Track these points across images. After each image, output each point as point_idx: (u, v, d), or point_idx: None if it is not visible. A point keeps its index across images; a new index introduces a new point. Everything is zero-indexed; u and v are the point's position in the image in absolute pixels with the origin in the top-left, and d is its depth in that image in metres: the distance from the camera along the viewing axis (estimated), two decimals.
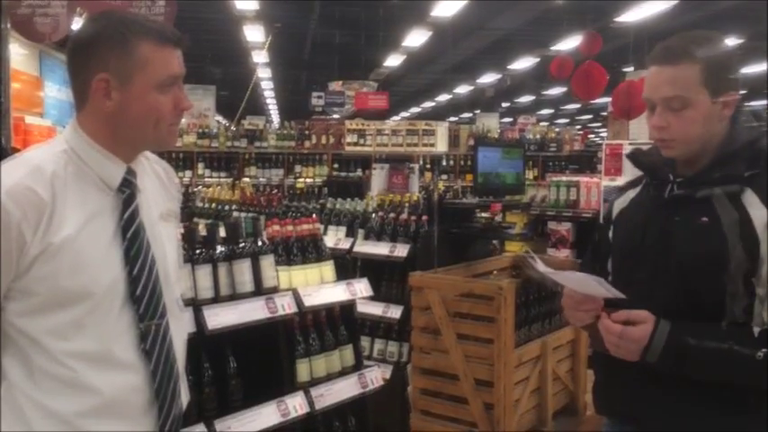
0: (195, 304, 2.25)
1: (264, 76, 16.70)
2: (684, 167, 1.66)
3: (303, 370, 2.55)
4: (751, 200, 1.54)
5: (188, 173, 9.04)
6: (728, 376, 1.52)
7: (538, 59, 14.93)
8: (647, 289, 1.62)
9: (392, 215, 3.91)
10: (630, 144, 5.06)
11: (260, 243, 2.47)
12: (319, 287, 2.66)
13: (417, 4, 10.62)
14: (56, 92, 9.38)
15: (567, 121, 29.68)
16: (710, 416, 1.55)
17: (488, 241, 4.14)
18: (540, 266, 1.70)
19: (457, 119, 24.41)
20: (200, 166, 9.20)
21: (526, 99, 23.15)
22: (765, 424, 1.53)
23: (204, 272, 2.30)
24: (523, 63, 15.47)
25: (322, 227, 3.85)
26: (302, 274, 2.64)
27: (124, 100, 1.42)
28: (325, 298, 2.64)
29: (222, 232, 2.44)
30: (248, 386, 2.38)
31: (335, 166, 9.44)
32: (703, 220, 1.56)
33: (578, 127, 26.68)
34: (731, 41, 11.09)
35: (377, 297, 3.28)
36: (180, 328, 1.59)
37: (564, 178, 5.27)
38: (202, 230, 2.41)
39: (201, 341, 2.22)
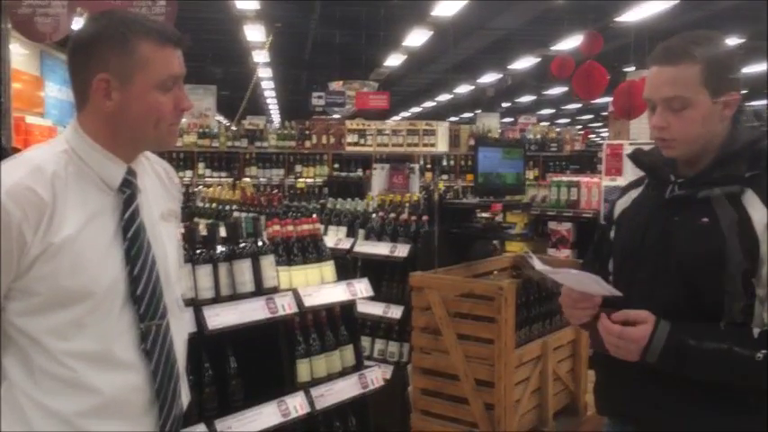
0: (195, 304, 2.25)
1: (265, 76, 16.70)
2: (685, 168, 1.66)
3: (303, 370, 2.55)
4: (751, 200, 1.54)
5: (188, 173, 9.04)
6: (728, 377, 1.52)
7: (538, 59, 14.92)
8: (648, 289, 1.62)
9: (392, 215, 3.91)
10: (631, 144, 5.06)
11: (260, 243, 2.47)
12: (320, 287, 2.66)
13: (418, 3, 10.62)
14: (56, 92, 9.39)
15: (567, 120, 29.68)
16: (710, 416, 1.55)
17: (489, 241, 4.14)
18: (538, 265, 1.70)
19: (457, 119, 24.42)
20: (201, 165, 9.20)
21: (527, 99, 23.15)
22: (765, 424, 1.53)
23: (204, 272, 2.30)
24: (524, 63, 15.46)
25: (322, 227, 3.85)
26: (302, 274, 2.64)
27: (124, 100, 1.42)
28: (325, 298, 2.64)
29: (223, 232, 2.44)
30: (249, 386, 2.38)
31: (336, 165, 9.44)
32: (704, 220, 1.56)
33: (579, 127, 26.68)
34: (732, 41, 11.10)
35: (377, 297, 3.28)
36: (180, 328, 1.59)
37: (564, 178, 5.28)
38: (203, 230, 2.41)
39: (202, 341, 2.22)
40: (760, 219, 1.51)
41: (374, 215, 4.01)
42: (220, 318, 2.25)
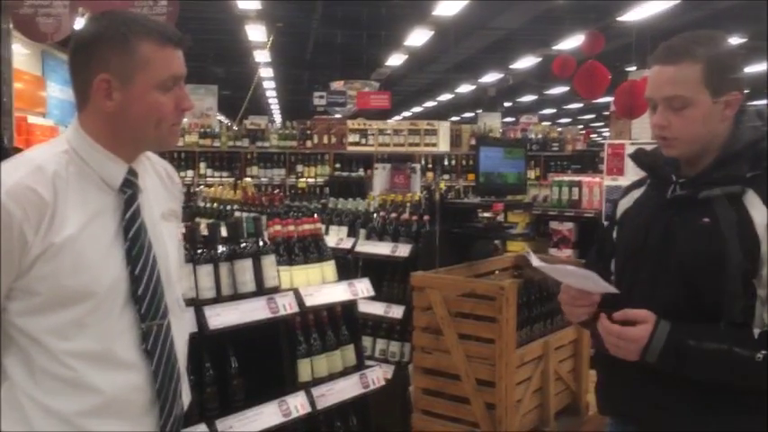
0: (196, 304, 2.25)
1: (266, 76, 16.70)
2: (687, 168, 1.66)
3: (304, 369, 2.55)
4: (752, 201, 1.53)
5: (190, 172, 9.04)
6: (728, 377, 1.52)
7: (540, 59, 14.91)
8: (649, 289, 1.62)
9: (394, 215, 3.90)
10: (632, 144, 5.06)
11: (261, 243, 2.47)
12: (321, 287, 2.66)
13: (419, 3, 10.62)
14: (58, 92, 9.39)
15: (569, 120, 29.65)
16: (711, 416, 1.55)
17: (490, 241, 4.14)
18: (535, 261, 1.71)
19: (459, 118, 24.40)
20: (202, 165, 9.20)
21: (528, 98, 23.13)
22: (765, 425, 1.52)
23: (206, 271, 2.30)
24: (525, 62, 15.45)
25: (323, 226, 3.85)
26: (304, 273, 2.64)
27: (125, 100, 1.42)
28: (326, 298, 2.64)
29: (224, 232, 2.44)
30: (250, 386, 2.38)
31: (337, 165, 9.44)
32: (704, 220, 1.56)
33: (581, 126, 26.65)
34: (733, 41, 11.07)
35: (378, 297, 3.28)
36: (181, 327, 1.59)
37: (566, 178, 5.28)
38: (204, 230, 2.41)
39: (203, 341, 2.21)
40: (761, 219, 1.51)
41: (375, 215, 4.01)
42: (221, 317, 2.25)
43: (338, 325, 2.73)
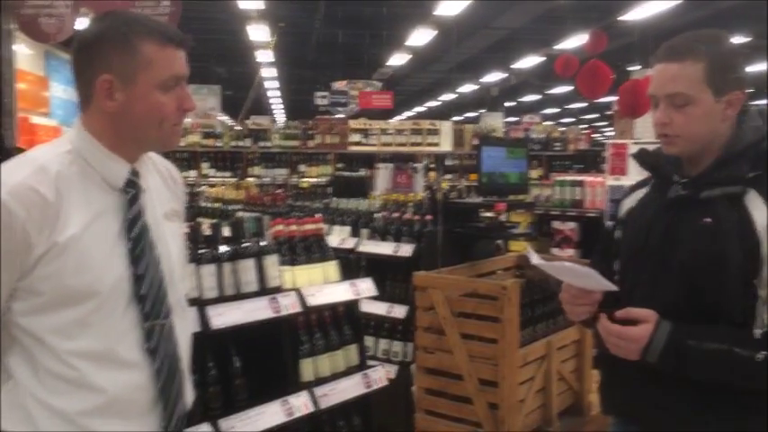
0: (199, 303, 2.25)
1: (269, 76, 16.71)
2: (689, 167, 1.66)
3: (307, 369, 2.55)
4: (754, 201, 1.53)
5: (192, 172, 9.06)
6: (728, 378, 1.51)
7: (543, 58, 14.90)
8: (650, 289, 1.62)
9: (396, 214, 3.90)
10: (635, 143, 5.05)
11: (264, 242, 2.47)
12: (323, 286, 2.66)
13: (421, 2, 10.62)
14: (61, 92, 9.41)
15: (572, 119, 29.63)
16: (712, 416, 1.55)
17: (492, 241, 4.13)
18: (534, 259, 1.71)
19: (461, 118, 24.40)
20: (205, 165, 9.22)
21: (531, 98, 23.11)
22: (766, 425, 1.52)
23: (208, 271, 2.30)
24: (528, 62, 15.44)
25: (326, 226, 3.85)
26: (306, 273, 2.64)
27: (128, 100, 1.42)
28: (328, 297, 2.64)
29: (226, 232, 2.44)
30: (252, 385, 2.38)
31: (339, 165, 9.45)
32: (706, 220, 1.55)
33: (583, 126, 26.63)
34: (736, 40, 11.05)
35: (381, 296, 3.28)
36: (184, 327, 1.59)
37: (568, 177, 5.27)
38: (207, 230, 2.42)
39: (206, 340, 2.22)
40: (762, 219, 1.51)
41: (378, 214, 4.01)
42: (224, 317, 2.25)
43: (341, 325, 2.73)
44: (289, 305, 2.46)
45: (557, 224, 4.94)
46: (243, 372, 2.36)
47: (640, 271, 1.66)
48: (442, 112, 23.79)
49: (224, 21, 12.54)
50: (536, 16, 12.53)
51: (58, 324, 1.38)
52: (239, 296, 2.36)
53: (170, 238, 1.55)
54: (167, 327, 1.48)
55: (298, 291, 2.54)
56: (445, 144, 9.74)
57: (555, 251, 4.81)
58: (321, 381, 2.58)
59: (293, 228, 2.69)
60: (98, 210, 1.42)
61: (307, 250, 2.69)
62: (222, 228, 2.45)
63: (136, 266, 1.44)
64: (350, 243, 3.86)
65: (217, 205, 4.98)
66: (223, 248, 2.37)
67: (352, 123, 9.79)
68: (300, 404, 2.44)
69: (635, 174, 4.75)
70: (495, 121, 13.03)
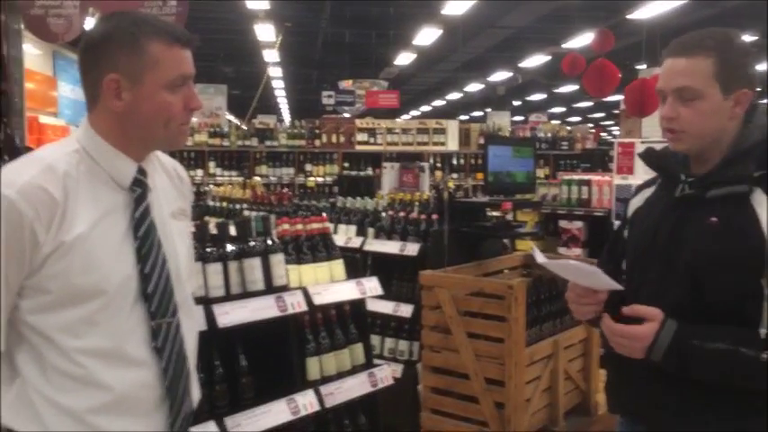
0: (206, 302, 2.26)
1: (275, 75, 16.74)
2: (695, 166, 1.65)
3: (313, 368, 2.56)
4: (760, 200, 1.52)
5: (199, 171, 9.07)
6: (733, 378, 1.50)
7: (549, 57, 14.86)
8: (657, 289, 1.61)
9: (402, 213, 3.90)
10: (643, 142, 5.04)
11: (270, 241, 2.48)
12: (329, 285, 2.66)
13: (428, 2, 10.61)
14: (69, 91, 9.46)
15: (579, 118, 29.53)
16: (719, 417, 1.54)
17: (499, 240, 4.13)
18: (539, 257, 1.70)
19: (468, 117, 24.36)
20: (212, 164, 9.22)
21: (538, 97, 23.05)
22: (766, 425, 1.51)
23: (215, 270, 2.31)
24: (535, 61, 15.40)
25: (332, 225, 3.86)
26: (312, 272, 2.65)
27: (135, 100, 1.43)
28: (335, 296, 2.64)
29: (233, 231, 2.45)
30: (259, 384, 2.39)
31: (346, 164, 9.44)
32: (712, 220, 1.55)
33: (590, 125, 26.55)
34: (743, 39, 10.95)
35: (387, 295, 3.28)
36: (191, 325, 1.60)
37: (575, 176, 5.26)
38: (213, 229, 2.42)
39: (212, 339, 2.22)
40: None
41: (384, 213, 4.01)
42: (230, 315, 2.26)
43: (347, 323, 2.73)
44: (295, 304, 2.46)
45: (563, 223, 4.93)
46: (249, 370, 2.37)
47: (647, 270, 1.66)
48: (449, 112, 23.78)
49: (231, 20, 12.58)
50: (543, 15, 12.51)
51: (66, 322, 1.39)
52: (246, 295, 2.37)
53: (177, 237, 1.56)
54: (174, 325, 1.49)
55: (304, 289, 2.55)
56: (452, 143, 9.71)
57: (562, 250, 4.80)
58: (327, 379, 2.58)
59: (299, 227, 2.69)
60: (105, 209, 1.43)
61: (313, 249, 2.70)
62: (229, 227, 2.45)
63: (143, 265, 1.44)
64: (356, 242, 3.86)
65: (223, 204, 4.99)
66: (229, 247, 2.38)
67: (359, 123, 9.79)
68: (306, 403, 2.44)
69: (642, 173, 4.73)
70: (502, 120, 12.97)
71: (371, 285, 2.82)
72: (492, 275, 3.49)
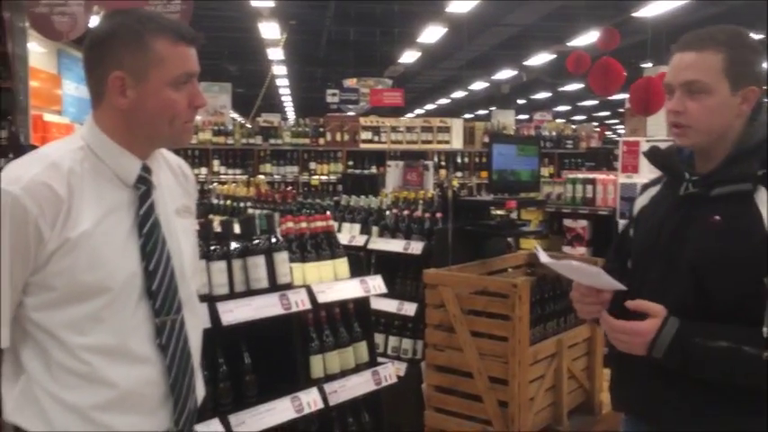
0: (210, 300, 2.26)
1: (280, 73, 16.75)
2: (700, 164, 1.64)
3: (317, 366, 2.56)
4: (763, 198, 1.52)
5: (203, 169, 9.08)
6: (735, 377, 1.50)
7: (554, 55, 14.83)
8: (660, 288, 1.61)
9: (406, 212, 3.90)
10: (648, 141, 5.02)
11: (274, 239, 2.48)
12: (333, 283, 2.66)
13: (433, 0, 10.60)
14: (74, 89, 9.48)
15: (584, 117, 29.47)
16: (719, 416, 1.54)
17: (503, 238, 4.12)
18: (542, 257, 1.70)
19: (472, 115, 24.33)
20: (216, 162, 9.24)
21: (542, 95, 23.01)
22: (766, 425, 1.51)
23: (219, 268, 2.31)
24: (540, 59, 15.37)
25: (336, 223, 3.86)
26: (316, 270, 2.65)
27: (139, 97, 1.43)
28: (338, 294, 2.64)
29: (237, 229, 2.45)
30: (263, 381, 2.39)
31: (350, 162, 9.44)
32: (715, 218, 1.54)
33: (595, 123, 26.48)
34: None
35: (391, 294, 3.27)
36: (196, 322, 1.60)
37: (580, 175, 5.25)
38: (217, 227, 2.42)
39: (216, 336, 2.23)
40: None
41: (388, 212, 4.01)
42: (234, 313, 2.26)
43: (351, 321, 2.73)
44: (299, 302, 2.46)
45: (568, 222, 4.92)
46: (253, 368, 2.37)
47: (649, 269, 1.65)
48: (453, 110, 23.75)
49: (235, 18, 12.59)
50: (548, 13, 12.48)
51: (71, 319, 1.39)
52: (249, 293, 2.37)
53: (181, 235, 1.56)
54: (178, 322, 1.49)
55: (308, 287, 2.54)
56: (456, 141, 9.70)
57: (566, 249, 4.80)
58: (331, 377, 2.58)
59: (303, 225, 2.69)
60: (110, 206, 1.43)
61: (317, 247, 2.70)
62: (233, 224, 2.45)
63: (147, 262, 1.45)
64: (360, 240, 3.86)
65: (227, 202, 4.99)
66: (234, 245, 2.38)
67: (363, 121, 9.78)
68: (310, 400, 2.44)
69: (647, 172, 4.72)
70: (507, 119, 12.96)
71: (375, 283, 2.82)
72: (496, 274, 3.48)
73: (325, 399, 2.49)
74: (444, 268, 3.27)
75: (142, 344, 1.44)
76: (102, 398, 1.41)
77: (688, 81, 1.56)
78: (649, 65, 11.66)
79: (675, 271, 1.59)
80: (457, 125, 9.82)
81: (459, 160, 9.73)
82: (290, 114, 25.10)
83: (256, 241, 2.42)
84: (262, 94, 10.88)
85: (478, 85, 20.46)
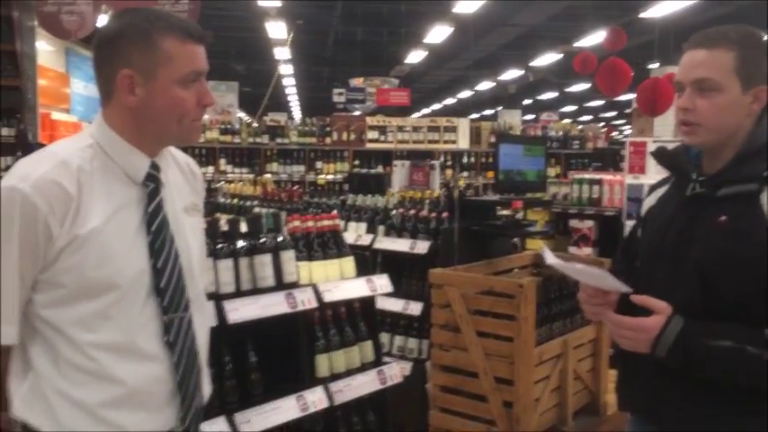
0: (216, 298, 2.27)
1: (286, 73, 16.77)
2: (707, 164, 1.64)
3: (323, 365, 2.56)
4: None
5: (210, 168, 9.10)
6: (737, 376, 1.49)
7: (561, 55, 14.80)
8: (666, 287, 1.61)
9: (413, 211, 3.90)
10: (655, 141, 5.00)
11: (281, 238, 2.48)
12: (339, 282, 2.66)
13: (439, 0, 10.59)
14: (82, 88, 9.52)
15: (590, 117, 29.40)
16: (720, 415, 1.53)
17: (509, 239, 4.12)
18: (549, 258, 1.70)
19: (479, 115, 24.31)
20: (223, 161, 9.26)
21: (549, 95, 22.96)
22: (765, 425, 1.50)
23: (225, 266, 2.32)
24: (546, 59, 15.34)
25: (343, 222, 3.86)
26: (322, 268, 2.65)
27: (148, 95, 1.43)
28: (345, 293, 2.64)
29: (244, 227, 2.46)
30: (268, 380, 2.40)
31: (356, 162, 9.45)
32: (722, 219, 1.54)
33: (602, 124, 26.41)
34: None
35: (397, 293, 3.28)
36: (203, 320, 1.60)
37: (587, 176, 5.23)
38: (224, 225, 2.43)
39: (222, 334, 2.23)
40: None
41: (394, 211, 4.01)
42: (241, 311, 2.26)
43: (356, 321, 2.73)
44: (305, 300, 2.47)
45: (574, 222, 4.91)
46: (259, 366, 2.38)
47: (656, 269, 1.65)
48: (460, 110, 23.72)
49: (242, 18, 12.62)
50: (554, 13, 12.46)
51: (79, 316, 1.40)
52: (256, 291, 2.37)
53: (189, 232, 1.56)
54: (186, 320, 1.50)
55: (314, 286, 2.55)
56: (462, 141, 9.69)
57: (572, 249, 4.79)
58: (336, 376, 2.59)
59: (310, 223, 2.70)
60: (119, 203, 1.44)
61: (323, 246, 2.70)
62: (239, 223, 2.46)
63: (155, 259, 1.45)
64: (366, 239, 3.87)
65: (234, 201, 5.00)
66: (240, 243, 2.38)
67: (370, 120, 9.78)
68: (315, 399, 2.45)
69: (654, 172, 4.70)
70: (513, 119, 12.96)
71: (381, 283, 2.83)
72: (502, 274, 3.48)
73: (330, 398, 2.50)
74: (450, 268, 3.27)
75: (150, 341, 1.45)
76: (110, 395, 1.42)
77: (699, 79, 1.56)
78: (656, 65, 11.63)
79: (682, 271, 1.59)
80: (463, 125, 9.81)
81: (465, 160, 9.71)
82: (297, 114, 25.13)
83: (263, 240, 2.43)
84: (269, 94, 10.89)
85: (485, 86, 20.43)
